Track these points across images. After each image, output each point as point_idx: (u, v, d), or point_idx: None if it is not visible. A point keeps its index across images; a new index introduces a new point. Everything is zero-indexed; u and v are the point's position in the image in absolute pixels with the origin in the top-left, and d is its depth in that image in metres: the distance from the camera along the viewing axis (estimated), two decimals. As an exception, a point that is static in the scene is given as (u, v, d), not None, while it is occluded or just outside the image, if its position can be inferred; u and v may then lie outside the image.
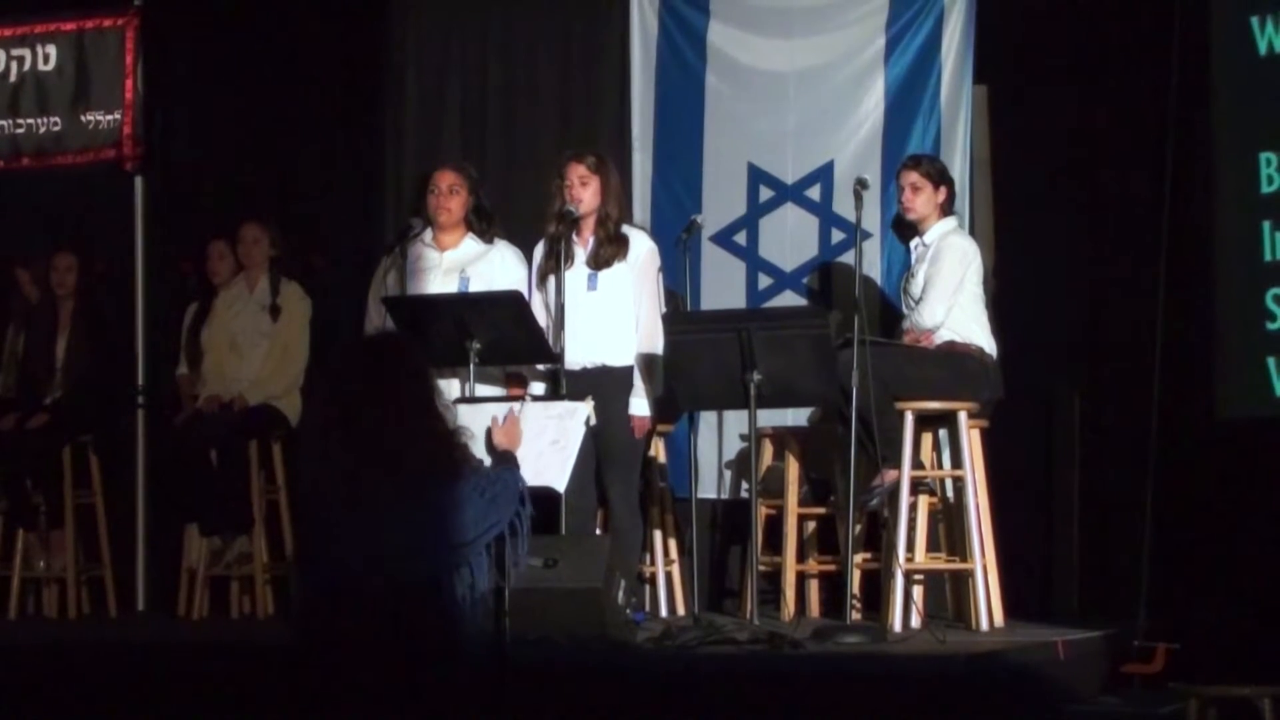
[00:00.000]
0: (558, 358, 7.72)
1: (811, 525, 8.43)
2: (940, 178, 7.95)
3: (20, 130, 10.09)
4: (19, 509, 9.34)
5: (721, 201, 8.96)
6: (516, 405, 7.05)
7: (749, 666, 6.73)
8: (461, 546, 5.35)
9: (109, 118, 9.93)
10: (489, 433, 6.17)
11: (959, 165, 8.47)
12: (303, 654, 5.31)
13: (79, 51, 10.02)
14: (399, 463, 5.25)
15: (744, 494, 8.60)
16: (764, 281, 8.91)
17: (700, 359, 7.50)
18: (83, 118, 9.98)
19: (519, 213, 8.60)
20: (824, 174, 8.85)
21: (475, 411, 6.74)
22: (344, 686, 5.20)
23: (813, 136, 8.89)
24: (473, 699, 5.41)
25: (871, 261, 8.63)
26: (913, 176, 7.92)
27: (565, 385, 7.68)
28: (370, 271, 8.36)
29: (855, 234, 7.64)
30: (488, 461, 5.81)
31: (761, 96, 8.97)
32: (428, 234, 8.13)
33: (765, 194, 8.95)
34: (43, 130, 10.06)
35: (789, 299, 8.82)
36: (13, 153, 10.09)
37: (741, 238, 8.96)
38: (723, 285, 8.88)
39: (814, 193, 8.87)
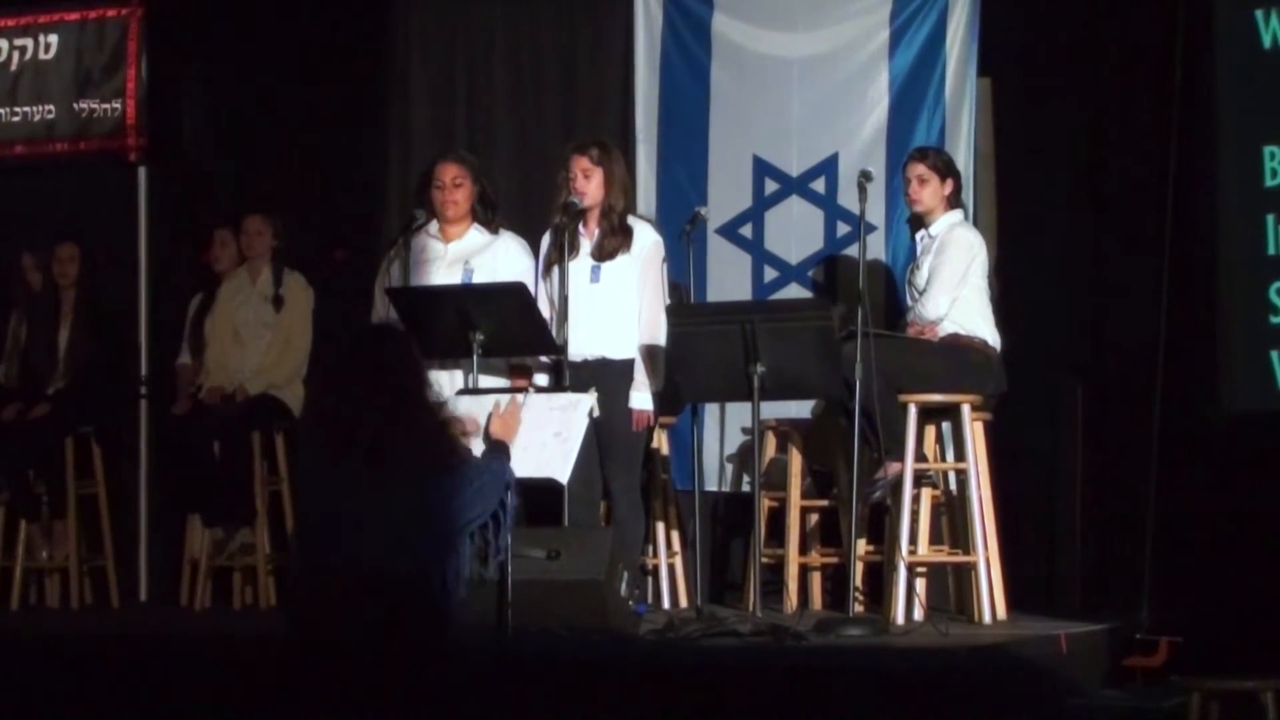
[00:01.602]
0: (561, 349, 7.72)
1: (814, 518, 8.43)
2: (947, 170, 7.93)
3: (16, 119, 10.10)
4: (21, 499, 9.34)
5: (727, 194, 8.96)
6: (520, 396, 7.07)
7: (751, 659, 6.72)
8: (450, 536, 5.37)
9: (104, 106, 9.93)
10: (488, 420, 6.20)
11: (964, 159, 8.46)
12: (297, 642, 5.32)
13: (80, 41, 10.03)
14: (389, 455, 5.27)
15: (746, 487, 8.60)
16: (770, 274, 8.91)
17: (703, 351, 7.50)
18: (75, 105, 9.99)
19: (527, 205, 8.61)
20: (829, 166, 8.84)
21: (478, 403, 6.75)
22: (337, 675, 5.21)
23: (817, 129, 8.88)
24: (461, 686, 5.43)
25: (877, 254, 8.62)
26: (919, 169, 7.91)
27: (568, 377, 7.68)
28: (377, 265, 8.36)
29: (859, 226, 7.63)
30: (480, 450, 5.83)
31: (766, 89, 8.97)
32: (433, 225, 8.12)
33: (770, 186, 8.94)
34: (37, 119, 10.07)
35: (795, 292, 8.82)
36: (7, 140, 10.10)
37: (747, 230, 8.96)
38: (729, 278, 8.88)
39: (819, 185, 8.87)
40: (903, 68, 8.75)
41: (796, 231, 8.91)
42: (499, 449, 5.90)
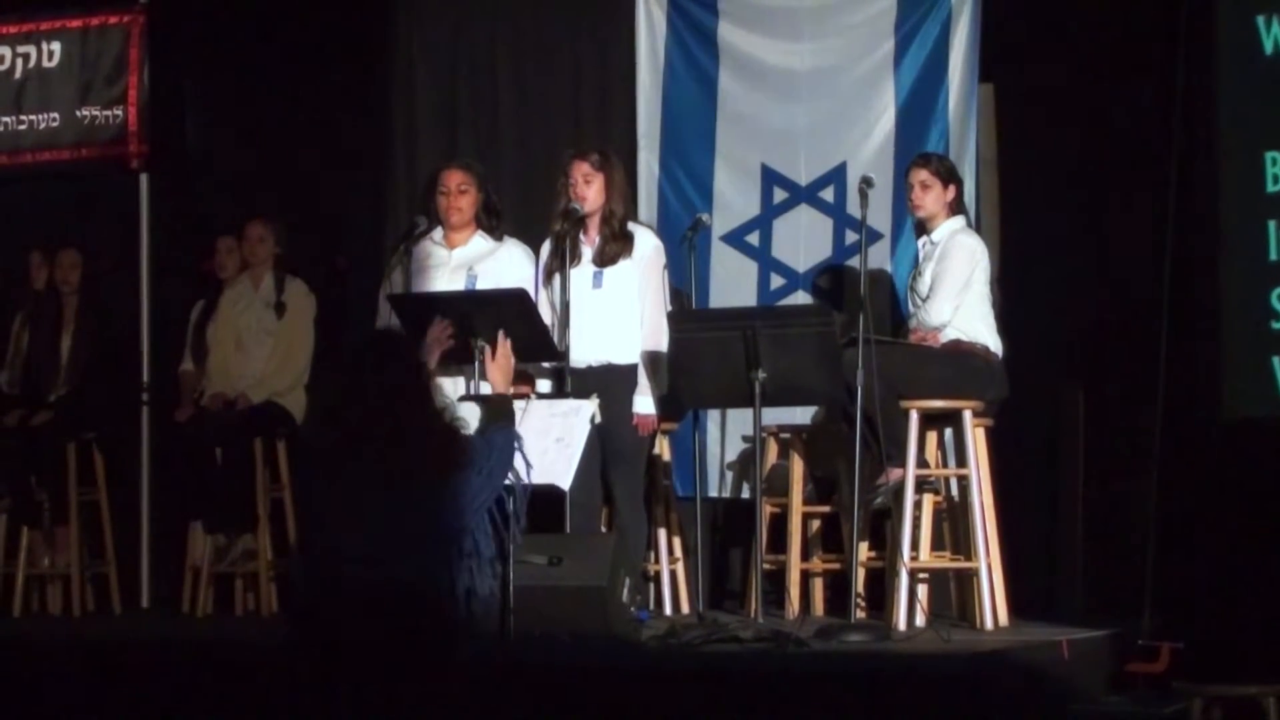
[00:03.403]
0: (563, 356, 7.73)
1: (816, 524, 8.42)
2: (949, 176, 7.94)
3: (23, 126, 10.11)
4: (24, 506, 9.34)
5: (734, 201, 8.96)
6: (522, 401, 7.05)
7: (753, 665, 6.72)
8: (459, 535, 5.38)
9: (106, 113, 9.95)
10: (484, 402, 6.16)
11: (969, 165, 8.46)
12: (302, 648, 5.32)
13: (83, 48, 10.04)
14: (396, 460, 5.26)
15: (747, 493, 8.60)
16: (776, 281, 8.90)
17: (705, 357, 7.50)
18: (78, 113, 10.00)
19: (531, 212, 8.61)
20: (837, 175, 8.83)
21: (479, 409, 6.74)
22: (343, 679, 5.21)
23: (825, 138, 8.87)
24: (472, 691, 5.42)
25: (882, 261, 8.62)
26: (922, 174, 7.91)
27: (570, 383, 7.69)
28: (380, 271, 8.37)
29: (861, 231, 7.62)
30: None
31: (773, 97, 8.96)
32: (437, 232, 8.14)
33: (779, 195, 8.93)
34: (42, 126, 10.08)
35: (801, 299, 8.81)
36: (14, 148, 10.11)
37: (754, 238, 8.94)
38: (735, 285, 8.87)
39: (827, 194, 8.86)
40: (908, 76, 8.75)
41: (805, 240, 8.90)
42: (502, 410, 5.75)
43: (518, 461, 5.65)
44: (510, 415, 5.75)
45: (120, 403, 9.63)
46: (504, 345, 6.33)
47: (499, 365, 6.15)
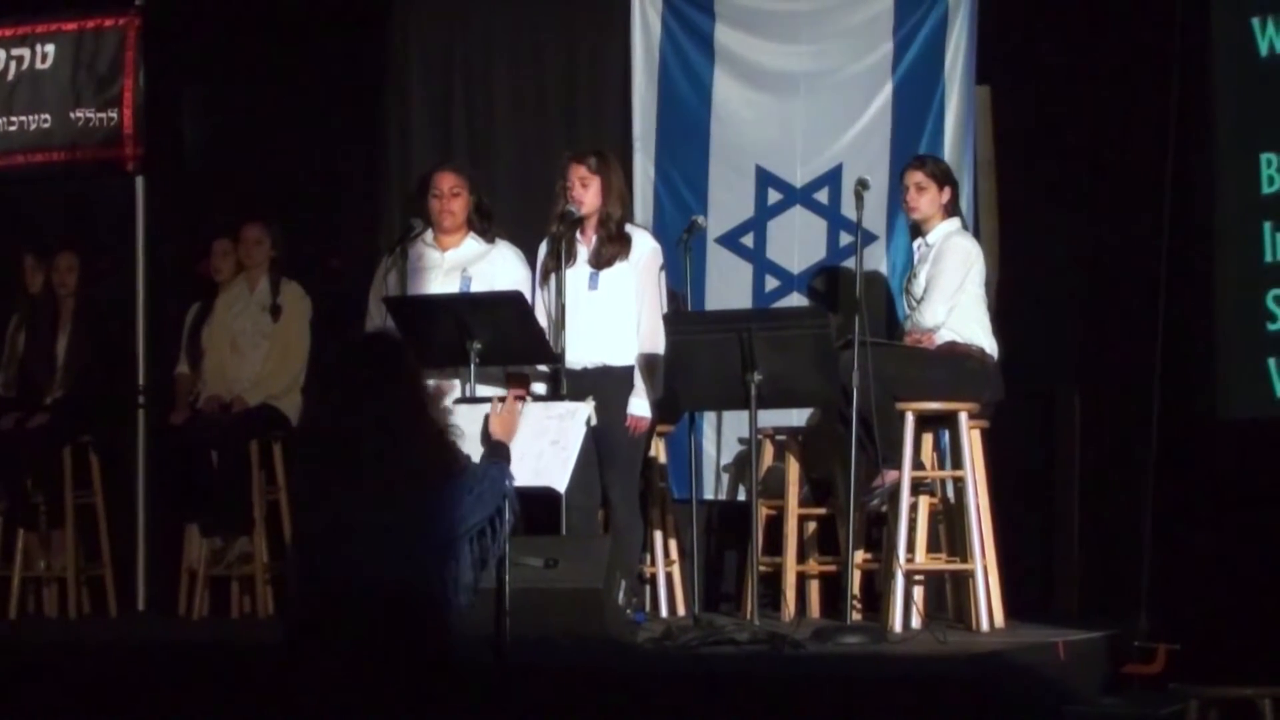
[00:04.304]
0: (558, 358, 7.72)
1: (812, 526, 8.43)
2: (944, 178, 7.94)
3: (13, 128, 10.10)
4: (19, 509, 9.33)
5: (728, 203, 8.96)
6: (518, 404, 7.05)
7: (749, 667, 6.73)
8: (450, 544, 5.37)
9: (100, 116, 9.93)
10: (485, 423, 6.19)
11: (966, 167, 8.46)
12: (295, 653, 5.32)
13: (78, 51, 10.03)
14: (390, 465, 5.25)
15: (743, 495, 8.60)
16: (771, 283, 8.90)
17: (701, 359, 7.50)
18: (72, 115, 9.99)
19: (526, 213, 8.60)
20: (832, 177, 8.83)
21: (475, 411, 6.75)
22: (336, 685, 5.21)
23: (821, 140, 8.87)
24: (464, 695, 5.42)
25: (877, 263, 8.62)
26: (917, 176, 7.92)
27: (566, 385, 7.68)
28: (374, 273, 8.36)
29: (856, 233, 7.62)
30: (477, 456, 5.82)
31: (769, 99, 8.96)
32: (429, 234, 8.14)
33: (774, 197, 8.94)
34: (33, 128, 10.07)
35: (796, 301, 8.81)
36: (6, 150, 10.10)
37: (749, 240, 8.95)
38: (729, 287, 8.87)
39: (822, 196, 8.86)
40: (905, 78, 8.75)
41: (799, 241, 8.90)
42: (499, 451, 5.88)
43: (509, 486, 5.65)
44: (507, 457, 5.81)
45: (116, 405, 9.62)
46: (513, 404, 6.33)
47: (504, 420, 6.17)
